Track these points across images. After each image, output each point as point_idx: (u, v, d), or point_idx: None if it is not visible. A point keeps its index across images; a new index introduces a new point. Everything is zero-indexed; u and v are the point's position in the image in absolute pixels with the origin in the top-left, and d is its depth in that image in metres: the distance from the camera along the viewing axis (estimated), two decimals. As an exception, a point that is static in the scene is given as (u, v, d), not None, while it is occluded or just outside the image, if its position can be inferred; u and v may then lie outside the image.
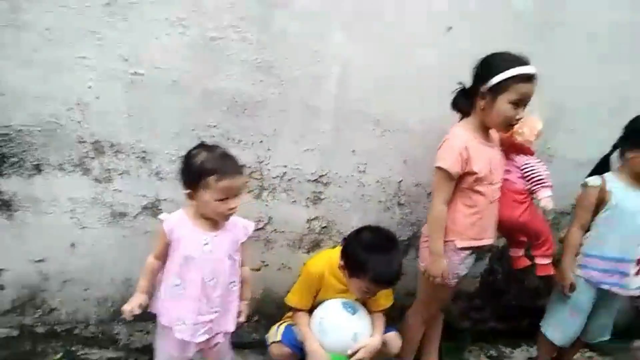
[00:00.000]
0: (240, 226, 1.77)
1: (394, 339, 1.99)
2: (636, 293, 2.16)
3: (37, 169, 1.85)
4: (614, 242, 2.10)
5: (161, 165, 1.94)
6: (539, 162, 2.01)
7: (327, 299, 1.92)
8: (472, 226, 1.90)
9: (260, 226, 2.12)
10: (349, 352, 1.82)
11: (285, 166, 2.08)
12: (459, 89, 1.90)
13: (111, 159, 1.88)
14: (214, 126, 1.94)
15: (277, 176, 2.08)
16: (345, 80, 2.03)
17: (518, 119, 1.81)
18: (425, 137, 2.11)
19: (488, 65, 1.81)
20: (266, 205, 2.11)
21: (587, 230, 2.15)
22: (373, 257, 1.78)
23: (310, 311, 1.97)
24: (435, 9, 2.03)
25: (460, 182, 1.87)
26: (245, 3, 1.83)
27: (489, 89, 1.78)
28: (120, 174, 1.90)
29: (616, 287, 2.12)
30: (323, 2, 1.92)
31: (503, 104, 1.77)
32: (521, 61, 1.77)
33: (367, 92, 2.07)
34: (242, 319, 1.82)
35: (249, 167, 2.03)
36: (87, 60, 1.76)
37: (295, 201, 2.14)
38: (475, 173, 1.84)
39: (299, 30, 1.92)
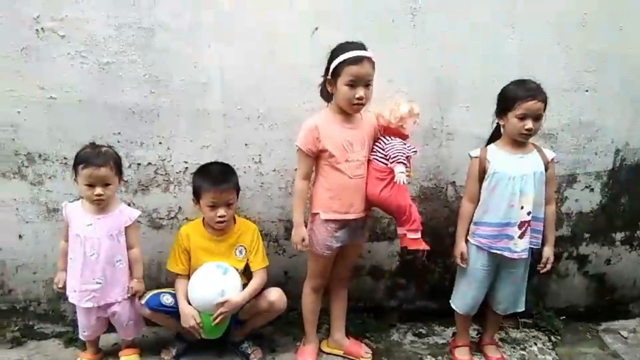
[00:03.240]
0: (126, 213, 2.14)
1: (277, 297, 2.22)
2: (522, 256, 2.17)
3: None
4: (497, 208, 2.16)
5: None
6: (403, 143, 2.13)
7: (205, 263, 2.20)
8: (331, 200, 2.11)
9: (172, 216, 2.48)
10: (215, 304, 2.07)
11: (186, 162, 2.42)
12: (323, 80, 2.13)
13: (41, 166, 2.36)
14: (118, 133, 2.34)
15: (180, 171, 2.43)
16: (226, 84, 2.34)
17: (359, 98, 2.00)
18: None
19: (330, 55, 2.06)
20: (174, 197, 2.46)
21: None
22: (205, 172, 2.23)
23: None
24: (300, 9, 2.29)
25: (319, 159, 2.11)
26: (128, 33, 2.23)
27: (331, 75, 2.02)
28: (49, 177, 2.37)
29: (506, 252, 2.17)
30: (192, 21, 2.26)
31: (341, 86, 2.00)
32: (353, 47, 1.99)
33: (248, 92, 2.36)
34: (131, 292, 2.15)
35: (154, 165, 2.41)
36: (14, 92, 2.27)
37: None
38: (326, 150, 2.06)
39: (178, 47, 2.28)
